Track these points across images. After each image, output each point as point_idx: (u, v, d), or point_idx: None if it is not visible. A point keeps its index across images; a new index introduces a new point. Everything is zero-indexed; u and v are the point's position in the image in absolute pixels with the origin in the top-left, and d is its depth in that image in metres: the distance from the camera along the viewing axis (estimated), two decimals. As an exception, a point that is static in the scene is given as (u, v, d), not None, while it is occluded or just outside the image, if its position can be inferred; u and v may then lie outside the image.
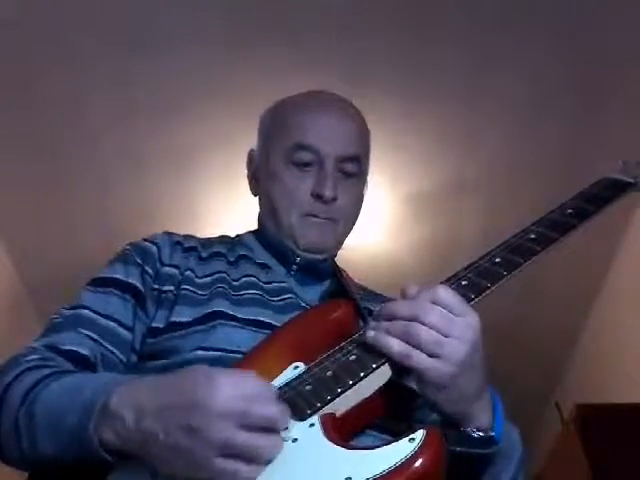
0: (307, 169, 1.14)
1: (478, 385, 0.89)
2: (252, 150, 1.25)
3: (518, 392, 3.79)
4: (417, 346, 0.84)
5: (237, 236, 1.26)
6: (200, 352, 1.00)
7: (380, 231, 3.19)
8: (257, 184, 1.22)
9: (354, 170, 1.16)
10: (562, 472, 2.66)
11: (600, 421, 2.40)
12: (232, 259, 1.17)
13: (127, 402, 0.79)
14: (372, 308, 1.13)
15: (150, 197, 3.04)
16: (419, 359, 0.84)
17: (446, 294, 0.86)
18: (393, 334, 0.85)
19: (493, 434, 0.89)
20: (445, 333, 0.84)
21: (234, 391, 0.76)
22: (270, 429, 0.77)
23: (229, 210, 2.96)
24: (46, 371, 0.90)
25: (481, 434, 0.89)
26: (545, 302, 3.42)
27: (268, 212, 1.18)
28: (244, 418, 0.75)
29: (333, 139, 1.14)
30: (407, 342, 0.84)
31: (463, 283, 0.93)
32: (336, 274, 1.19)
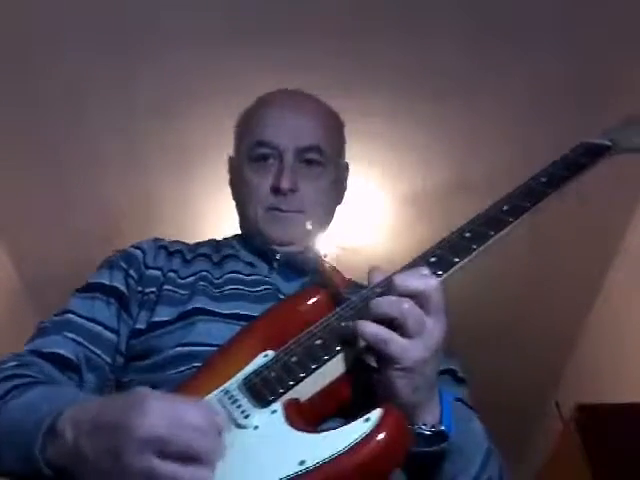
0: (268, 164, 1.16)
1: (436, 374, 0.86)
2: (230, 157, 1.28)
3: (518, 392, 3.80)
4: (403, 321, 0.80)
5: (224, 239, 1.29)
6: (180, 348, 1.01)
7: (380, 232, 3.18)
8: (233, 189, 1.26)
9: (316, 158, 1.17)
10: (562, 472, 2.66)
11: (600, 421, 2.39)
12: (217, 260, 1.19)
13: (70, 420, 0.78)
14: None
15: (150, 197, 3.04)
16: (397, 343, 0.81)
17: (437, 283, 0.84)
18: (382, 306, 0.82)
19: (443, 428, 0.85)
20: (428, 311, 0.82)
21: (161, 417, 0.72)
22: (198, 459, 0.73)
23: (229, 210, 2.94)
24: (15, 381, 0.90)
25: (432, 429, 0.85)
26: (545, 302, 3.42)
27: (240, 213, 1.23)
28: (166, 446, 0.72)
29: (290, 132, 1.17)
30: (393, 317, 0.81)
31: (432, 260, 0.93)
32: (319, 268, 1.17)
